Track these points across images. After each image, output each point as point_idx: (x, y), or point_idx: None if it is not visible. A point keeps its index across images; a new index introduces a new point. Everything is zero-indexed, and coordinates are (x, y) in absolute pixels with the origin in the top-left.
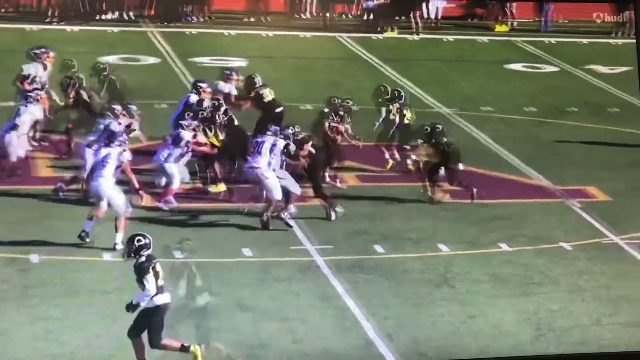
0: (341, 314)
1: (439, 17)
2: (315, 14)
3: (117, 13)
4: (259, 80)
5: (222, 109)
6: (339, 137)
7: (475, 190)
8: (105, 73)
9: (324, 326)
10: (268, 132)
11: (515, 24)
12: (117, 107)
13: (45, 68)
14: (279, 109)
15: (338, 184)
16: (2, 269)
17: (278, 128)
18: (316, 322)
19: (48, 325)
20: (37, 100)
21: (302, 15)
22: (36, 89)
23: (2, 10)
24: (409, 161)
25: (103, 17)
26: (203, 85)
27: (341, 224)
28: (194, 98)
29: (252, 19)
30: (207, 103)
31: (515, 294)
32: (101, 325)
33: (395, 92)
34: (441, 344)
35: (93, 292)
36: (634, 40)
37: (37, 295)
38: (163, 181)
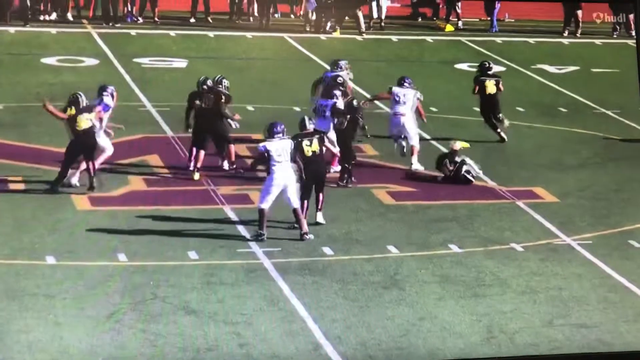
0: (289, 317)
1: (383, 17)
2: (257, 15)
3: (54, 15)
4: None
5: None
6: None
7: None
8: None
9: (272, 329)
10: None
11: (460, 24)
12: None
13: None
14: None
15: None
16: None
17: None
18: (263, 325)
19: None
20: None
21: (244, 16)
22: None
23: None
24: None
25: (45, 18)
26: (342, 62)
27: (289, 225)
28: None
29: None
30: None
31: (465, 295)
32: (44, 329)
33: None
34: (390, 347)
35: (36, 296)
36: (583, 40)
37: None
38: None
